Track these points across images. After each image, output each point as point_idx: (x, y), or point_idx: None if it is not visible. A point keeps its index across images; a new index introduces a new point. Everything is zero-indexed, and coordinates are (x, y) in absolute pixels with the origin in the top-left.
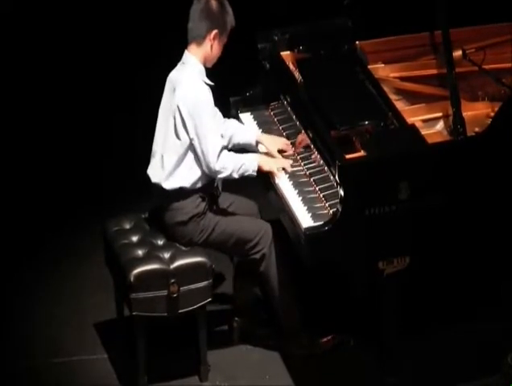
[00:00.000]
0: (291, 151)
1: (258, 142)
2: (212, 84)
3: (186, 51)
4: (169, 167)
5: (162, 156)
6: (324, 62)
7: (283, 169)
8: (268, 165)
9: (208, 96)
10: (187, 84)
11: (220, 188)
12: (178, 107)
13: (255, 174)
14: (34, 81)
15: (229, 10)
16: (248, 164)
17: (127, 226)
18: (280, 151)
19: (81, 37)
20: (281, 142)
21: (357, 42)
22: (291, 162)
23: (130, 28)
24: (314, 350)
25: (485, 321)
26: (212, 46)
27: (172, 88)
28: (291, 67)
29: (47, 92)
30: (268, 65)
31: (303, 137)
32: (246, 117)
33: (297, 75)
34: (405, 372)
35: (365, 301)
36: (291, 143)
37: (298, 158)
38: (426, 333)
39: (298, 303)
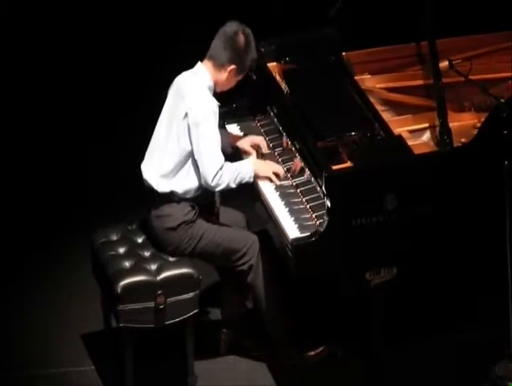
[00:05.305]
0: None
1: (234, 147)
2: (218, 103)
3: (200, 63)
4: (165, 171)
5: (160, 157)
6: (310, 73)
7: (277, 175)
8: (263, 171)
9: (216, 110)
10: (199, 95)
11: (218, 205)
12: (186, 114)
13: (252, 180)
14: (31, 86)
15: (254, 50)
16: (244, 172)
17: (114, 237)
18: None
19: (79, 41)
20: (256, 139)
21: (344, 53)
22: (281, 166)
23: (127, 32)
24: (302, 361)
25: (470, 331)
26: (227, 77)
27: (180, 93)
28: (278, 78)
29: (40, 102)
30: (255, 76)
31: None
32: (233, 128)
33: (284, 86)
34: (389, 384)
35: (353, 311)
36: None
37: (287, 174)
38: (408, 344)
39: (285, 313)
